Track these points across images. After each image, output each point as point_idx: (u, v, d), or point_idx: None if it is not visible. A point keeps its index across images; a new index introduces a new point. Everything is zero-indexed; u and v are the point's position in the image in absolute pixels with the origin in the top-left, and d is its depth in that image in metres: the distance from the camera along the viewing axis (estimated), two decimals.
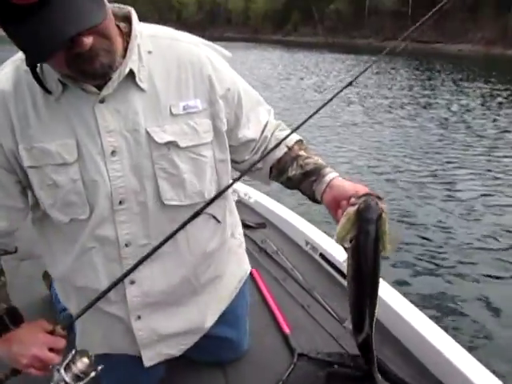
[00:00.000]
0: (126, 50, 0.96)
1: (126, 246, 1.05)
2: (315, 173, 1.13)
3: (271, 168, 1.20)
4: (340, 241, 0.95)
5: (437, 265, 4.56)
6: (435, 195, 6.45)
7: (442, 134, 10.48)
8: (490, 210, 5.87)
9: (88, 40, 0.80)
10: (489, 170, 7.65)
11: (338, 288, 2.25)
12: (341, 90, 1.18)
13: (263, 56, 34.29)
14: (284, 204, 3.09)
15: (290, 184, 1.19)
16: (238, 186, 3.38)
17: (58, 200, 1.00)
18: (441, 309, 3.82)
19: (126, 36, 0.97)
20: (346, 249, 0.98)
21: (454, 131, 10.84)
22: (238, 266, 1.40)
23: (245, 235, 3.18)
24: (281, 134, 1.16)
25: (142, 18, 1.01)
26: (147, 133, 0.98)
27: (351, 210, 0.92)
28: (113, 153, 0.97)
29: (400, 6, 69.22)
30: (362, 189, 0.99)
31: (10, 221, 1.07)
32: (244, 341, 1.54)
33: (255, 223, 3.04)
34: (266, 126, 1.20)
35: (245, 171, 1.13)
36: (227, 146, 1.13)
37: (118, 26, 0.96)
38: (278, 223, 2.94)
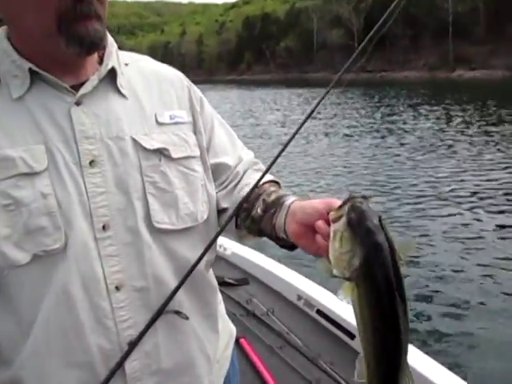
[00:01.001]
0: (101, 59, 0.87)
1: (117, 289, 0.81)
2: (276, 204, 0.92)
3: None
4: (343, 272, 0.65)
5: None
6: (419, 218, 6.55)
7: (412, 158, 10.61)
8: (463, 232, 6.03)
9: None
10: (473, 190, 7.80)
11: (346, 351, 1.90)
12: (303, 123, 1.02)
13: (221, 96, 34.74)
14: (267, 255, 2.73)
15: (254, 227, 0.97)
16: None
17: (19, 227, 0.76)
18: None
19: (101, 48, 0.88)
20: (351, 281, 0.65)
21: (423, 154, 10.97)
22: (224, 327, 1.09)
23: (225, 295, 2.88)
24: (254, 176, 0.98)
25: None
26: (133, 140, 0.85)
27: (338, 226, 0.66)
28: (92, 163, 0.80)
29: (347, 39, 72.71)
30: (334, 200, 0.75)
31: None
32: None
33: (235, 279, 2.65)
34: (240, 160, 1.06)
35: (243, 200, 0.93)
36: (209, 166, 0.99)
37: None
38: (263, 277, 2.57)
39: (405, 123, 16.31)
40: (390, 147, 12.21)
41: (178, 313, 0.88)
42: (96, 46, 0.81)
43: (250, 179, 0.98)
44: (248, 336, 2.10)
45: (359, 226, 0.63)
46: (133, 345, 0.79)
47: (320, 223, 0.72)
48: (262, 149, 11.95)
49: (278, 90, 39.77)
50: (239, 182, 1.01)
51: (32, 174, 0.77)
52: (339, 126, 16.56)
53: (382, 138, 13.75)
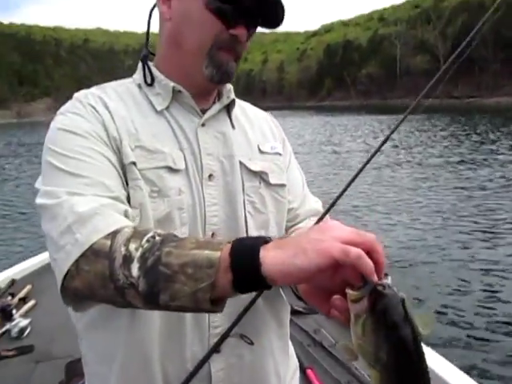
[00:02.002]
0: (218, 96, 1.00)
1: None
2: None
3: None
4: (370, 363, 0.60)
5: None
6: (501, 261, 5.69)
7: (510, 194, 9.13)
8: None
9: (246, 34, 0.89)
10: None
11: None
12: (369, 159, 1.02)
13: (301, 122, 34.04)
14: None
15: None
16: None
17: (157, 214, 0.85)
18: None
19: None
20: (372, 368, 0.61)
21: None
22: (291, 354, 1.09)
23: (293, 323, 2.84)
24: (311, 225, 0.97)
25: None
26: (240, 162, 0.96)
27: (360, 310, 0.60)
28: (210, 176, 0.92)
29: (432, 64, 70.36)
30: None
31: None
32: None
33: (304, 308, 2.60)
34: (304, 204, 1.09)
35: None
36: None
37: None
38: None
39: (499, 154, 14.34)
40: (482, 180, 10.57)
41: (243, 336, 0.90)
42: (227, 78, 0.92)
43: (306, 227, 1.00)
44: (315, 367, 2.04)
45: (383, 316, 0.58)
46: (212, 351, 0.83)
47: (336, 301, 0.65)
48: (337, 179, 11.35)
49: (359, 116, 38.57)
50: (294, 225, 1.05)
51: (175, 170, 0.88)
52: (424, 156, 14.94)
53: (473, 169, 11.98)
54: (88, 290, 0.72)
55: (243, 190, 0.94)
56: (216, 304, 0.67)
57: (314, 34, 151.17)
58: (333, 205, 0.98)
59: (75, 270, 0.72)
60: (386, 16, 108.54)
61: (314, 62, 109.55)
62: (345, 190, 1.01)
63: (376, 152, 1.05)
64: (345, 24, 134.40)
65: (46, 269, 3.29)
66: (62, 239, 0.74)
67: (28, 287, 3.00)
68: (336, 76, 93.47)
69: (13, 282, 3.08)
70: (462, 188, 10.08)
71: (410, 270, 5.44)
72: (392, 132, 1.05)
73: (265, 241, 0.66)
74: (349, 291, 0.62)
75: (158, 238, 0.69)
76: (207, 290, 0.65)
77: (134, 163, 0.84)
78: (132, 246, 0.69)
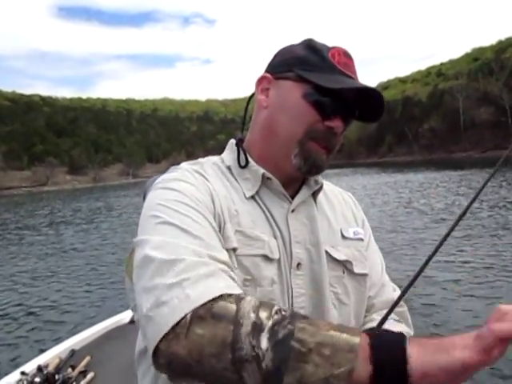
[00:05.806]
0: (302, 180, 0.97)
1: None
2: None
3: None
4: None
5: None
6: None
7: None
8: None
9: (342, 127, 0.88)
10: None
11: None
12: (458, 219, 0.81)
13: (368, 182, 31.90)
14: None
15: None
16: None
17: None
18: None
19: None
20: None
21: None
22: None
23: None
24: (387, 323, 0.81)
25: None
26: (325, 251, 0.92)
27: None
28: (298, 266, 0.89)
29: (498, 116, 67.89)
30: None
31: None
32: None
33: None
34: (381, 294, 1.00)
35: None
36: None
37: None
38: None
39: None
40: None
41: None
42: (315, 170, 0.90)
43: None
44: None
45: None
46: None
47: None
48: (411, 253, 9.22)
49: (425, 172, 35.87)
50: (367, 315, 0.97)
51: (270, 260, 0.84)
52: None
53: None
54: (192, 359, 0.62)
55: (328, 279, 0.90)
56: None
57: None
58: (410, 285, 0.78)
59: (183, 330, 0.62)
60: (444, 71, 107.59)
61: None
62: (423, 268, 0.80)
63: (461, 217, 0.86)
64: (402, 81, 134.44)
65: (105, 339, 3.29)
66: (167, 294, 0.65)
67: (87, 358, 2.98)
68: (397, 132, 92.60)
69: (73, 353, 3.08)
70: None
71: None
72: (477, 195, 0.87)
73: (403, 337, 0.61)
74: None
75: (285, 312, 0.64)
76: (343, 378, 0.57)
77: (235, 249, 0.81)
78: (263, 315, 0.62)
